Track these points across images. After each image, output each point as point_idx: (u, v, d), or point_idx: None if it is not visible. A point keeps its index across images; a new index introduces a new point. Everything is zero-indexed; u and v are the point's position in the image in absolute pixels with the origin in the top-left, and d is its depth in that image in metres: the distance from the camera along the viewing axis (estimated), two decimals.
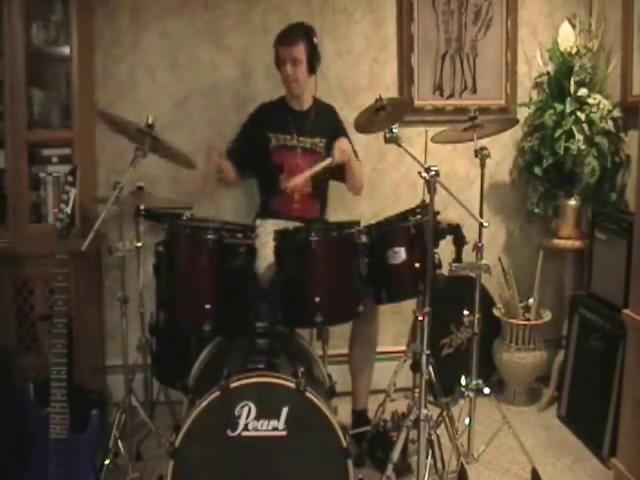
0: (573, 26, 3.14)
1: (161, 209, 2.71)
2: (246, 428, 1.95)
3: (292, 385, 1.97)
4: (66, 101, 2.80)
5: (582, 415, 2.87)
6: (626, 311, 2.33)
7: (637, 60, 2.98)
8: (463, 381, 2.60)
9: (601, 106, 3.00)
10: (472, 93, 3.32)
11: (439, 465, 2.42)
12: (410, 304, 2.68)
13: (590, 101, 3.01)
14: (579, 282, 3.25)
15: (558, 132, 3.01)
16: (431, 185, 2.04)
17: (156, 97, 3.11)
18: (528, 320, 3.13)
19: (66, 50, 2.75)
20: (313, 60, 2.74)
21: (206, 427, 1.95)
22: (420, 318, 2.11)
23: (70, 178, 2.11)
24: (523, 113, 3.26)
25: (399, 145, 2.18)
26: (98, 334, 3.09)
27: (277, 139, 2.82)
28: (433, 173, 2.03)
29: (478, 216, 2.41)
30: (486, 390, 2.66)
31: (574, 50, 3.07)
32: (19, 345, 2.75)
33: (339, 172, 2.80)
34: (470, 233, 2.44)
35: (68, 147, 2.78)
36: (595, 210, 3.06)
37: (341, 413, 2.31)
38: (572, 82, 3.04)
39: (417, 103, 3.27)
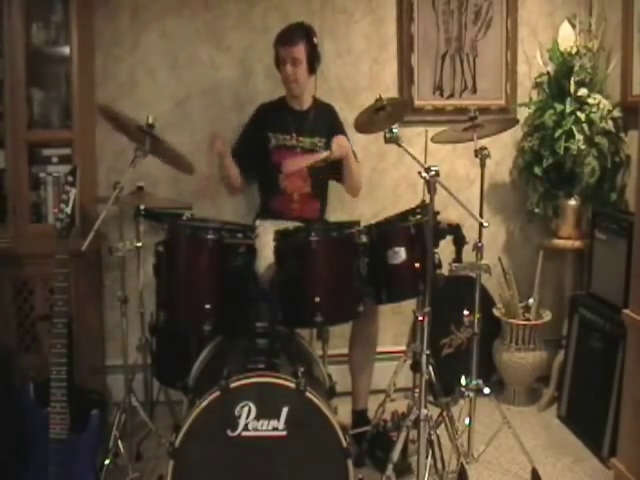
0: (573, 26, 3.14)
1: (161, 209, 2.71)
2: (246, 428, 1.95)
3: (292, 385, 1.97)
4: (66, 101, 2.80)
5: (582, 415, 2.87)
6: (626, 311, 2.33)
7: (637, 60, 2.98)
8: (463, 381, 2.60)
9: (601, 106, 3.00)
10: (472, 93, 3.32)
11: (439, 465, 2.42)
12: (410, 304, 2.68)
13: (590, 101, 3.01)
14: (579, 282, 3.25)
15: (558, 132, 3.01)
16: (431, 185, 2.04)
17: (156, 97, 3.11)
18: (528, 320, 3.13)
19: (66, 50, 2.75)
20: (313, 60, 2.74)
21: (206, 427, 1.95)
22: (420, 318, 2.11)
23: (70, 178, 2.11)
24: (523, 113, 3.26)
25: (399, 145, 2.18)
26: (98, 334, 3.09)
27: (277, 139, 2.82)
28: (433, 173, 2.03)
29: (478, 216, 2.41)
30: (486, 390, 2.66)
31: (574, 50, 3.07)
32: (19, 345, 2.75)
33: (337, 171, 2.81)
34: (470, 233, 2.44)
35: (68, 147, 2.78)
36: (595, 210, 3.06)
37: (341, 413, 2.31)
38: (572, 82, 3.04)
39: (417, 103, 3.27)
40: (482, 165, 2.55)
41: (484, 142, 2.56)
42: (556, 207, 3.21)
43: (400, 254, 2.30)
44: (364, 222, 2.35)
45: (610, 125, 3.00)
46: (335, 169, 2.80)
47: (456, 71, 3.30)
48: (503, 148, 3.34)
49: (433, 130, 2.66)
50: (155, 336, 2.72)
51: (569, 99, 3.03)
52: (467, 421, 2.62)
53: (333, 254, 2.20)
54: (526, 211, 3.33)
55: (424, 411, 2.12)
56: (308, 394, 1.96)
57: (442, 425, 2.53)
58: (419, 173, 2.07)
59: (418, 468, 2.12)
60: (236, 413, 1.95)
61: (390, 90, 3.25)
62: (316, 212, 2.87)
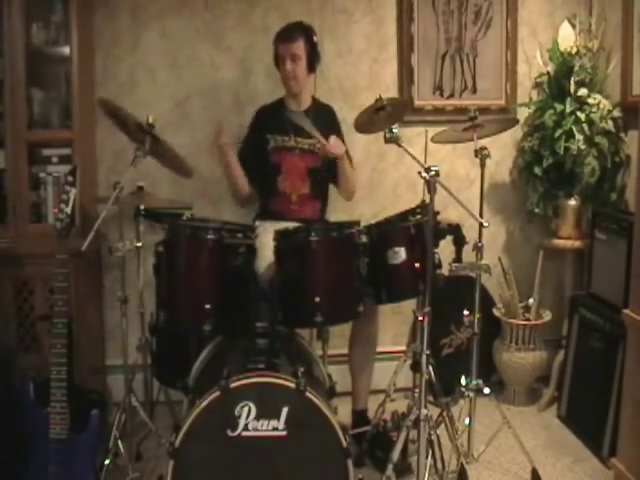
0: (573, 26, 3.14)
1: (161, 209, 2.71)
2: (246, 428, 1.95)
3: (292, 385, 1.97)
4: (66, 101, 2.80)
5: (582, 415, 2.87)
6: (626, 311, 2.33)
7: (637, 60, 2.98)
8: (463, 381, 2.60)
9: (601, 106, 3.00)
10: (472, 93, 3.32)
11: (439, 465, 2.42)
12: (410, 304, 2.68)
13: (590, 101, 3.01)
14: (579, 282, 3.25)
15: (558, 132, 3.01)
16: (431, 185, 2.04)
17: (156, 97, 3.11)
18: (528, 320, 3.13)
19: (66, 50, 2.75)
20: (312, 58, 2.74)
21: (206, 427, 1.95)
22: (420, 318, 2.11)
23: (70, 178, 2.11)
24: (523, 113, 3.26)
25: (399, 145, 2.18)
26: (98, 334, 3.09)
27: (275, 140, 2.82)
28: (433, 173, 2.03)
29: (478, 216, 2.41)
30: (486, 390, 2.66)
31: (574, 50, 3.07)
32: (19, 345, 2.75)
33: (335, 173, 2.81)
34: (470, 233, 2.44)
35: (68, 147, 2.78)
36: (595, 210, 3.06)
37: (341, 413, 2.31)
38: (572, 82, 3.04)
39: (417, 103, 3.27)
40: (482, 165, 2.55)
41: (484, 142, 2.56)
42: (556, 207, 3.21)
43: (400, 254, 2.30)
44: (364, 222, 2.36)
45: (610, 125, 3.00)
46: (333, 171, 2.80)
47: (456, 71, 3.30)
48: (503, 148, 3.34)
49: (433, 130, 2.66)
50: (155, 336, 2.72)
51: (569, 99, 3.03)
52: (467, 421, 2.62)
53: (333, 254, 2.20)
54: (526, 211, 3.33)
55: (424, 411, 2.11)
56: (308, 394, 1.96)
57: (442, 425, 2.53)
58: (419, 173, 2.07)
59: (418, 468, 2.12)
60: (236, 413, 1.95)
61: (390, 90, 3.25)
62: (316, 213, 2.87)
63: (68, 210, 2.08)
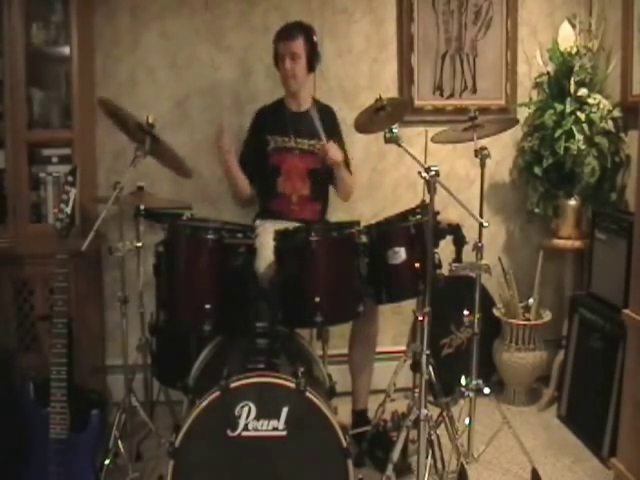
0: (573, 26, 3.14)
1: (161, 209, 2.71)
2: (246, 428, 1.95)
3: (292, 385, 1.97)
4: (66, 101, 2.80)
5: (582, 415, 2.87)
6: (626, 311, 2.33)
7: (637, 60, 2.98)
8: (463, 381, 2.60)
9: (601, 106, 3.00)
10: (472, 93, 3.32)
11: (439, 465, 2.42)
12: (410, 304, 2.68)
13: (590, 101, 3.01)
14: (579, 282, 3.25)
15: (558, 132, 3.01)
16: (431, 185, 2.04)
17: (156, 97, 3.11)
18: (528, 320, 3.13)
19: (66, 50, 2.75)
20: (312, 57, 2.74)
21: (206, 427, 1.95)
22: (420, 318, 2.11)
23: (70, 178, 2.11)
24: (523, 113, 3.26)
25: (399, 145, 2.17)
26: (98, 334, 3.09)
27: (275, 141, 2.82)
28: (433, 173, 2.03)
29: (478, 216, 2.41)
30: (486, 390, 2.66)
31: (574, 50, 3.07)
32: (19, 345, 2.75)
33: (333, 175, 2.81)
34: (470, 233, 2.44)
35: (68, 147, 2.78)
36: (595, 210, 3.06)
37: (341, 413, 2.31)
38: (572, 82, 3.04)
39: (417, 103, 3.27)
40: (482, 165, 2.55)
41: (484, 142, 2.56)
42: (556, 207, 3.21)
43: (400, 254, 2.30)
44: (364, 222, 2.36)
45: (610, 125, 3.00)
46: (332, 172, 2.80)
47: (456, 71, 3.30)
48: (503, 148, 3.34)
49: (433, 130, 2.66)
50: (155, 336, 2.72)
51: (569, 99, 3.03)
52: (467, 421, 2.62)
53: (333, 254, 2.20)
54: (526, 211, 3.33)
55: (424, 411, 2.11)
56: (308, 394, 1.96)
57: (442, 425, 2.53)
58: (419, 173, 2.07)
59: (418, 468, 2.12)
60: (236, 413, 1.95)
61: (390, 90, 3.25)
62: (315, 214, 2.86)
63: (68, 210, 2.08)
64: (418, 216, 2.35)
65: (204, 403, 1.94)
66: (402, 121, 2.50)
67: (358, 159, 3.23)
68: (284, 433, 1.96)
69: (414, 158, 2.14)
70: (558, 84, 3.11)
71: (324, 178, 2.86)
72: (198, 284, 2.19)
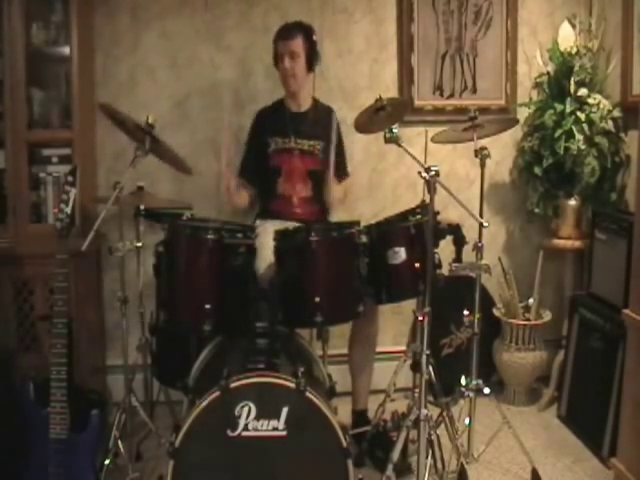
0: (573, 26, 3.14)
1: (161, 209, 2.71)
2: (246, 428, 1.95)
3: (292, 385, 1.97)
4: (66, 101, 2.80)
5: (582, 415, 2.87)
6: (626, 311, 2.33)
7: (637, 60, 2.98)
8: (463, 381, 2.60)
9: (601, 106, 3.00)
10: (472, 93, 3.32)
11: (439, 465, 2.42)
12: (410, 304, 2.68)
13: (590, 101, 3.01)
14: (579, 282, 3.25)
15: (558, 132, 3.01)
16: (431, 185, 2.04)
17: (156, 97, 3.11)
18: (528, 320, 3.13)
19: (66, 50, 2.75)
20: (311, 57, 2.74)
21: (206, 427, 1.95)
22: (420, 318, 2.11)
23: (70, 178, 2.11)
24: (523, 113, 3.26)
25: (399, 145, 2.17)
26: (98, 334, 3.09)
27: (275, 143, 2.81)
28: (433, 173, 2.03)
29: (478, 216, 2.41)
30: (486, 390, 2.66)
31: (574, 50, 3.07)
32: (19, 345, 2.76)
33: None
34: (470, 233, 2.44)
35: (68, 147, 2.78)
36: (595, 210, 3.06)
37: (341, 413, 2.31)
38: (572, 82, 3.04)
39: (417, 103, 3.27)
40: (482, 165, 2.55)
41: (484, 142, 2.56)
42: (556, 207, 3.21)
43: (400, 254, 2.30)
44: (364, 222, 2.35)
45: (610, 125, 3.00)
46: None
47: (456, 71, 3.30)
48: (503, 148, 3.34)
49: (433, 130, 2.66)
50: (155, 336, 2.72)
51: (569, 99, 3.03)
52: (467, 421, 2.62)
53: (333, 254, 2.20)
54: (526, 211, 3.33)
55: (424, 411, 2.11)
56: (308, 394, 1.96)
57: (442, 425, 2.53)
58: (419, 173, 2.06)
59: (418, 468, 2.12)
60: (236, 413, 1.95)
61: (390, 90, 3.25)
62: (316, 215, 2.84)
63: (68, 210, 2.08)
64: (418, 216, 2.35)
65: (204, 403, 1.94)
66: (402, 121, 2.50)
67: (358, 159, 3.23)
68: (284, 433, 1.96)
69: (414, 158, 2.14)
70: (558, 84, 3.11)
71: (324, 179, 2.86)
72: (198, 284, 2.19)
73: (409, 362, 2.45)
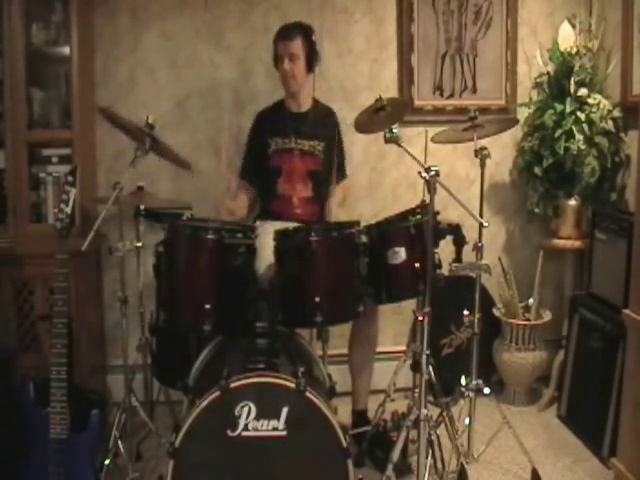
0: (573, 26, 3.14)
1: (161, 209, 2.71)
2: (246, 428, 1.95)
3: (292, 385, 1.97)
4: (66, 101, 2.80)
5: (582, 415, 2.87)
6: (626, 311, 2.33)
7: (637, 60, 2.98)
8: (463, 381, 2.60)
9: (601, 106, 3.00)
10: (472, 93, 3.32)
11: (439, 465, 2.42)
12: (410, 304, 2.67)
13: (590, 101, 3.01)
14: (579, 282, 3.25)
15: (558, 132, 3.01)
16: (431, 185, 2.04)
17: (156, 97, 3.11)
18: (528, 320, 3.13)
19: (66, 50, 2.75)
20: (311, 57, 2.74)
21: (206, 427, 1.95)
22: (420, 318, 2.11)
23: (70, 178, 2.11)
24: (523, 113, 3.26)
25: (399, 145, 2.17)
26: (98, 334, 3.09)
27: (276, 143, 2.81)
28: (433, 173, 2.03)
29: (478, 216, 2.41)
30: (486, 390, 2.66)
31: (574, 50, 3.07)
32: (19, 345, 2.75)
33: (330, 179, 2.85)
34: (470, 233, 2.44)
35: (68, 147, 2.78)
36: (595, 210, 3.06)
37: (341, 413, 2.31)
38: (572, 82, 3.04)
39: (417, 103, 3.27)
40: (482, 165, 2.55)
41: (484, 142, 2.56)
42: (556, 207, 3.21)
43: (400, 254, 2.30)
44: (364, 222, 2.35)
45: (610, 125, 3.00)
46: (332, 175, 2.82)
47: (456, 71, 3.30)
48: (503, 148, 3.34)
49: (433, 130, 2.66)
50: (155, 336, 2.72)
51: (569, 99, 3.03)
52: (467, 421, 2.62)
53: (333, 254, 2.20)
54: (526, 211, 3.33)
55: (424, 411, 2.11)
56: (308, 394, 1.96)
57: (442, 425, 2.53)
58: (419, 173, 2.06)
59: (418, 468, 2.12)
60: (236, 413, 1.95)
61: (390, 90, 3.25)
62: (316, 216, 2.85)
63: (68, 210, 2.08)
64: (418, 216, 2.35)
65: (204, 403, 1.94)
66: (402, 121, 2.50)
67: (358, 159, 3.23)
68: (284, 433, 1.96)
69: (414, 158, 2.14)
70: (558, 84, 3.11)
71: (324, 180, 2.86)
72: (198, 284, 2.19)
73: (409, 362, 2.45)
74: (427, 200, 2.12)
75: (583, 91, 3.02)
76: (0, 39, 2.65)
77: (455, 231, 2.38)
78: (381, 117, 2.30)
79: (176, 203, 2.83)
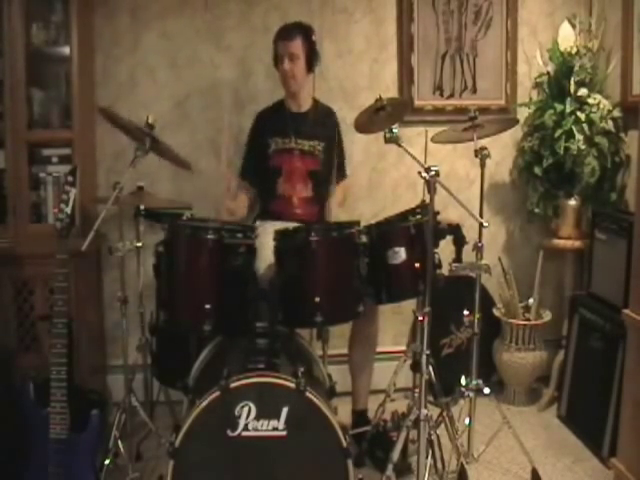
0: (573, 26, 3.14)
1: (161, 209, 2.71)
2: (246, 428, 1.95)
3: (292, 385, 1.97)
4: (66, 101, 2.80)
5: (582, 415, 2.87)
6: (626, 311, 2.33)
7: (637, 60, 2.98)
8: (463, 381, 2.60)
9: (601, 106, 3.00)
10: (472, 93, 3.32)
11: (439, 465, 2.42)
12: (410, 304, 2.67)
13: (590, 101, 3.01)
14: (579, 282, 3.25)
15: (558, 132, 3.01)
16: (431, 185, 2.04)
17: (156, 97, 3.11)
18: (528, 320, 3.13)
19: (66, 50, 2.75)
20: (311, 57, 2.74)
21: (206, 427, 1.95)
22: (420, 318, 2.11)
23: (70, 178, 2.11)
24: (523, 113, 3.26)
25: (399, 145, 2.17)
26: (98, 334, 3.09)
27: (276, 143, 2.81)
28: (433, 173, 2.03)
29: (478, 216, 2.41)
30: (486, 390, 2.66)
31: (574, 50, 3.07)
32: (19, 345, 2.75)
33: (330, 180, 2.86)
34: (470, 233, 2.44)
35: (68, 147, 2.78)
36: (595, 210, 3.06)
37: (341, 413, 2.31)
38: (572, 82, 3.04)
39: (417, 103, 3.27)
40: (482, 165, 2.55)
41: (484, 142, 2.56)
42: (556, 207, 3.21)
43: (400, 254, 2.30)
44: (364, 222, 2.35)
45: (610, 125, 3.00)
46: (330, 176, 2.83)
47: (456, 71, 3.30)
48: (503, 148, 3.34)
49: (433, 130, 2.66)
50: (155, 336, 2.72)
51: (569, 99, 3.03)
52: (467, 421, 2.62)
53: (333, 254, 2.20)
54: (526, 211, 3.33)
55: (424, 411, 2.11)
56: (308, 394, 1.96)
57: (442, 425, 2.53)
58: (419, 173, 2.06)
59: (418, 468, 2.12)
60: (236, 413, 1.95)
61: (390, 90, 3.25)
62: (315, 216, 2.85)
63: (68, 210, 2.08)
64: (418, 216, 2.35)
65: (204, 403, 1.94)
66: (402, 121, 2.50)
67: (358, 159, 3.23)
68: (284, 433, 1.96)
69: (414, 158, 2.14)
70: (558, 84, 3.11)
71: (324, 180, 2.86)
72: (198, 284, 2.19)
73: (409, 362, 2.45)
74: (427, 200, 2.12)
75: (583, 91, 3.02)
76: (0, 39, 2.65)
77: (455, 231, 2.38)
78: (381, 117, 2.30)
79: (176, 203, 2.83)
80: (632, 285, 2.36)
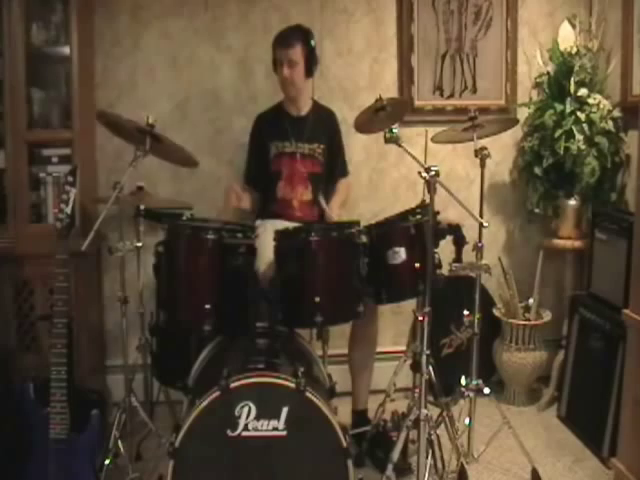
0: (573, 26, 3.14)
1: (161, 209, 2.71)
2: (246, 428, 1.95)
3: (292, 385, 1.96)
4: (66, 101, 2.80)
5: (582, 415, 2.87)
6: (626, 311, 2.33)
7: (637, 60, 2.98)
8: (463, 381, 2.60)
9: (601, 106, 3.00)
10: (472, 93, 3.32)
11: (439, 465, 2.42)
12: (410, 304, 2.67)
13: (590, 101, 3.01)
14: (579, 282, 3.25)
15: (558, 132, 3.01)
16: (431, 185, 2.04)
17: (156, 97, 3.11)
18: (528, 320, 3.13)
19: (66, 50, 2.75)
20: (310, 63, 2.74)
21: (206, 427, 1.95)
22: (420, 318, 2.11)
23: (70, 178, 2.11)
24: (523, 113, 3.26)
25: (399, 145, 2.18)
26: (98, 334, 3.09)
27: (276, 147, 2.82)
28: (433, 173, 2.03)
29: (478, 216, 2.41)
30: (486, 390, 2.66)
31: (574, 50, 3.07)
32: (19, 345, 2.76)
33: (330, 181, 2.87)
34: (470, 233, 2.44)
35: (68, 147, 2.78)
36: (595, 210, 3.07)
37: (341, 413, 2.31)
38: (572, 82, 3.04)
39: (417, 103, 3.27)
40: (482, 165, 2.55)
41: (484, 142, 2.56)
42: (556, 207, 3.21)
43: (400, 254, 2.30)
44: (364, 222, 2.35)
45: (610, 125, 3.00)
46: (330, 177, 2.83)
47: (456, 71, 3.30)
48: (503, 148, 3.34)
49: (433, 130, 2.66)
50: (155, 336, 2.72)
51: (569, 99, 3.03)
52: (467, 421, 2.62)
53: (333, 254, 2.20)
54: (526, 211, 3.33)
55: (424, 411, 2.12)
56: (308, 394, 1.96)
57: (442, 425, 2.53)
58: (419, 173, 2.07)
59: (418, 468, 2.12)
60: (236, 413, 1.95)
61: (390, 90, 3.25)
62: (316, 219, 2.85)
63: (68, 210, 2.08)
64: (418, 216, 2.35)
65: (204, 403, 1.94)
66: (402, 121, 2.50)
67: (358, 159, 3.23)
68: (284, 433, 1.96)
69: (414, 158, 2.14)
70: (558, 84, 3.11)
71: (325, 182, 2.86)
72: (198, 284, 2.19)
73: (409, 362, 2.45)
74: (427, 200, 2.12)
75: (583, 91, 3.02)
76: (0, 39, 2.65)
77: (455, 231, 2.38)
78: (381, 117, 2.30)
79: (176, 203, 2.83)
80: (632, 285, 2.36)
